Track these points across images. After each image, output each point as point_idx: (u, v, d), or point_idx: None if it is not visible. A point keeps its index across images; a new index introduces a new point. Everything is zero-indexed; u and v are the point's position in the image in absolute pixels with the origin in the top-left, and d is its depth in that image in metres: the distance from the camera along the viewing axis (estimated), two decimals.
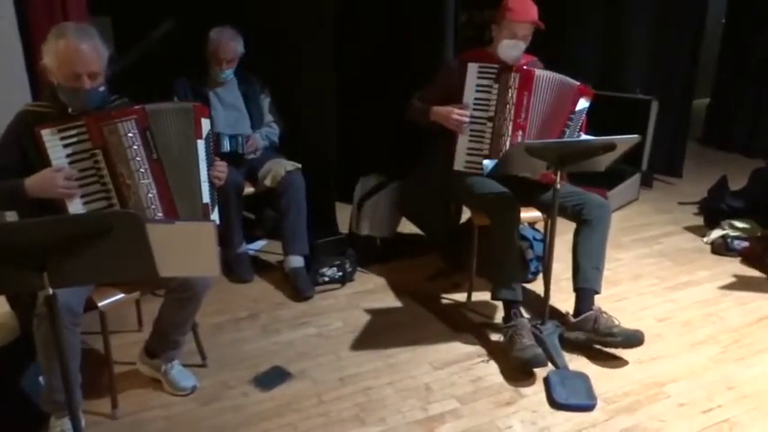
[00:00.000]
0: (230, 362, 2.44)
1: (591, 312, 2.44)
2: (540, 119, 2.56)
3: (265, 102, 3.21)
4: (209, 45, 2.98)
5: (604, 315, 2.45)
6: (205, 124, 2.13)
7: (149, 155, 2.03)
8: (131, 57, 3.10)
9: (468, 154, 2.61)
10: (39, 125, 1.90)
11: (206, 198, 2.12)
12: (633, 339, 2.37)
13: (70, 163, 1.94)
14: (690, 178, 4.61)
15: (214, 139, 2.67)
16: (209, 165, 2.15)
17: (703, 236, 3.59)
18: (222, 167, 2.22)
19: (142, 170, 2.02)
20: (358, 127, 3.77)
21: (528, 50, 2.69)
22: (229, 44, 2.96)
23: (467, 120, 2.57)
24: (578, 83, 2.54)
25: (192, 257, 1.75)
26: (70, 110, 1.97)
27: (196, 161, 2.09)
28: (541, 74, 2.53)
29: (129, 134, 1.99)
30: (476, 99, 2.57)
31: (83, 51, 1.89)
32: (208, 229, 1.78)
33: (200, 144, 2.10)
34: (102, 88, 1.99)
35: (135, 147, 2.00)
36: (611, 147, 2.22)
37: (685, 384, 2.29)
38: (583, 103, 2.54)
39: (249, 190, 3.09)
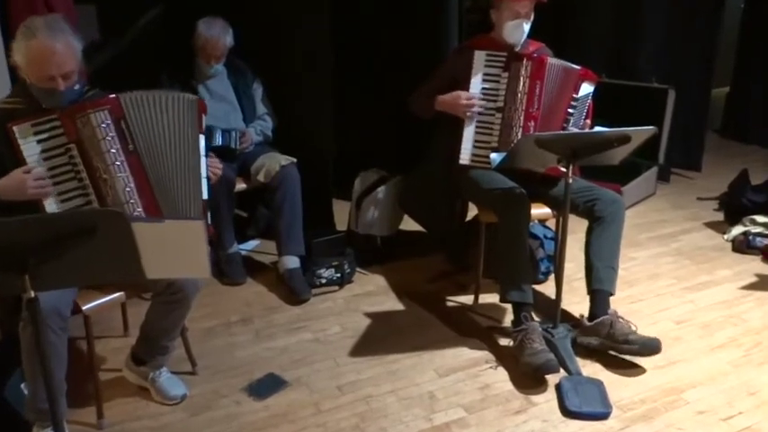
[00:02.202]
0: (222, 369, 2.41)
1: (606, 317, 2.40)
2: (548, 107, 2.53)
3: (257, 92, 3.18)
4: (197, 39, 2.94)
5: (621, 320, 2.41)
6: (204, 119, 2.12)
7: (125, 146, 1.99)
8: (117, 47, 3.06)
9: (476, 146, 2.57)
10: (10, 121, 1.86)
11: (205, 194, 2.09)
12: (650, 347, 2.32)
13: (45, 159, 1.91)
14: (709, 172, 4.56)
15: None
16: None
17: (724, 233, 3.55)
18: (217, 163, 2.21)
19: (118, 163, 1.98)
20: (357, 118, 3.73)
21: (536, 37, 2.65)
22: (219, 41, 2.93)
23: (475, 106, 2.53)
24: (579, 67, 2.52)
25: (181, 258, 1.70)
26: (43, 105, 1.94)
27: (197, 155, 2.07)
28: (553, 61, 2.51)
29: (103, 125, 1.96)
30: (483, 89, 2.55)
31: (56, 52, 1.86)
32: (197, 227, 1.72)
33: (202, 138, 2.09)
34: (77, 87, 1.96)
35: (109, 138, 1.97)
36: (625, 139, 2.21)
37: (705, 390, 2.26)
38: (586, 88, 2.54)
39: (241, 186, 3.05)
